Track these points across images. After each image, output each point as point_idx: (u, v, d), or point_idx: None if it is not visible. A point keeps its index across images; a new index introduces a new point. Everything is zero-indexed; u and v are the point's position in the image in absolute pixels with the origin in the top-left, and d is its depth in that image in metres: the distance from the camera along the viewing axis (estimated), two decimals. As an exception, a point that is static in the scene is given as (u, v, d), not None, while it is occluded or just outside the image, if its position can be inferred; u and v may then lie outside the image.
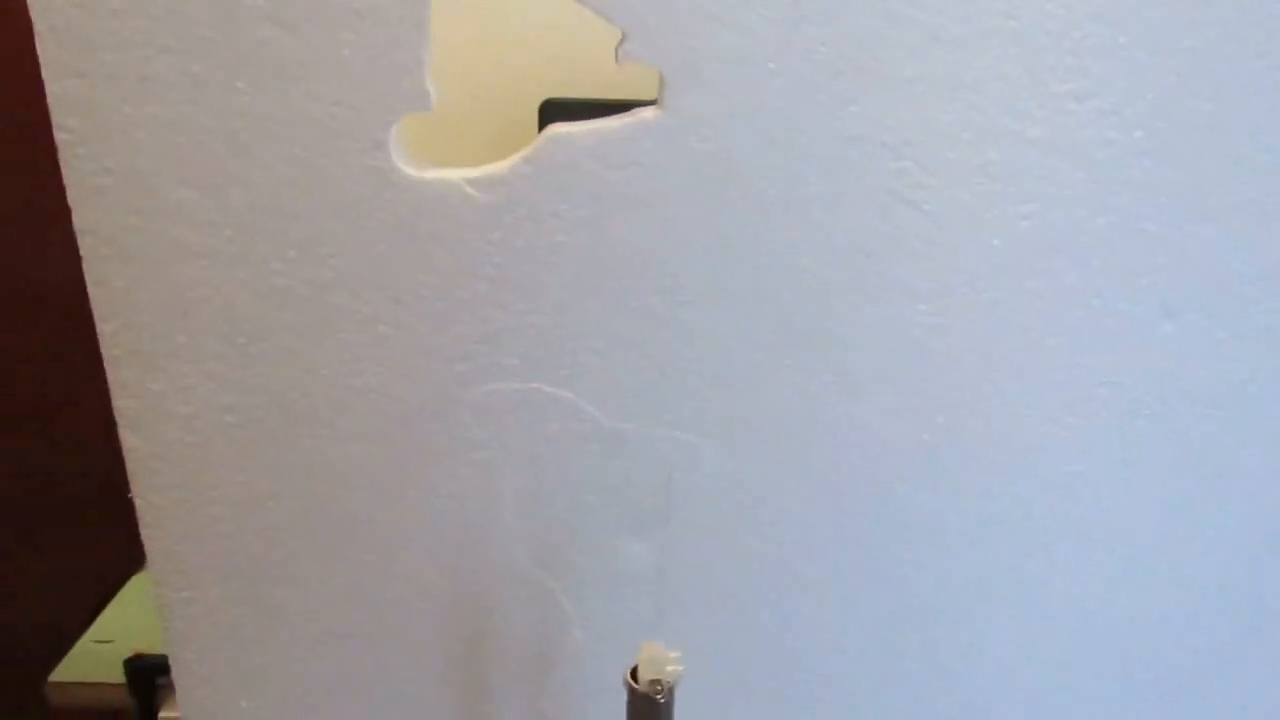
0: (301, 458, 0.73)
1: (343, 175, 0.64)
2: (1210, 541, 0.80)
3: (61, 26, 0.59)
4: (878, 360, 0.72)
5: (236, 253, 0.66)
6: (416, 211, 0.66)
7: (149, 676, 1.25)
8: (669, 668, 0.65)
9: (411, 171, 0.65)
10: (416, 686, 0.82)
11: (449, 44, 0.95)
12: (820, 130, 0.65)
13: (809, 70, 0.63)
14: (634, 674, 0.65)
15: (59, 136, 0.63)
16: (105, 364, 0.69)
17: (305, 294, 0.68)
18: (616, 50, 0.62)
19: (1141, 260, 0.70)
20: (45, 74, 0.61)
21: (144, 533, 0.75)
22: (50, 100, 0.62)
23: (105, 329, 0.68)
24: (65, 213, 0.65)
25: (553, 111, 0.76)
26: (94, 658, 1.38)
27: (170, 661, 0.81)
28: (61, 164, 0.64)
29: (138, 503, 0.74)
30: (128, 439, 0.72)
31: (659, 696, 0.64)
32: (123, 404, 0.71)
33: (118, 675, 1.28)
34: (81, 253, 0.66)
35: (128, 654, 1.27)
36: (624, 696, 0.66)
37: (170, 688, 0.94)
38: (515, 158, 0.65)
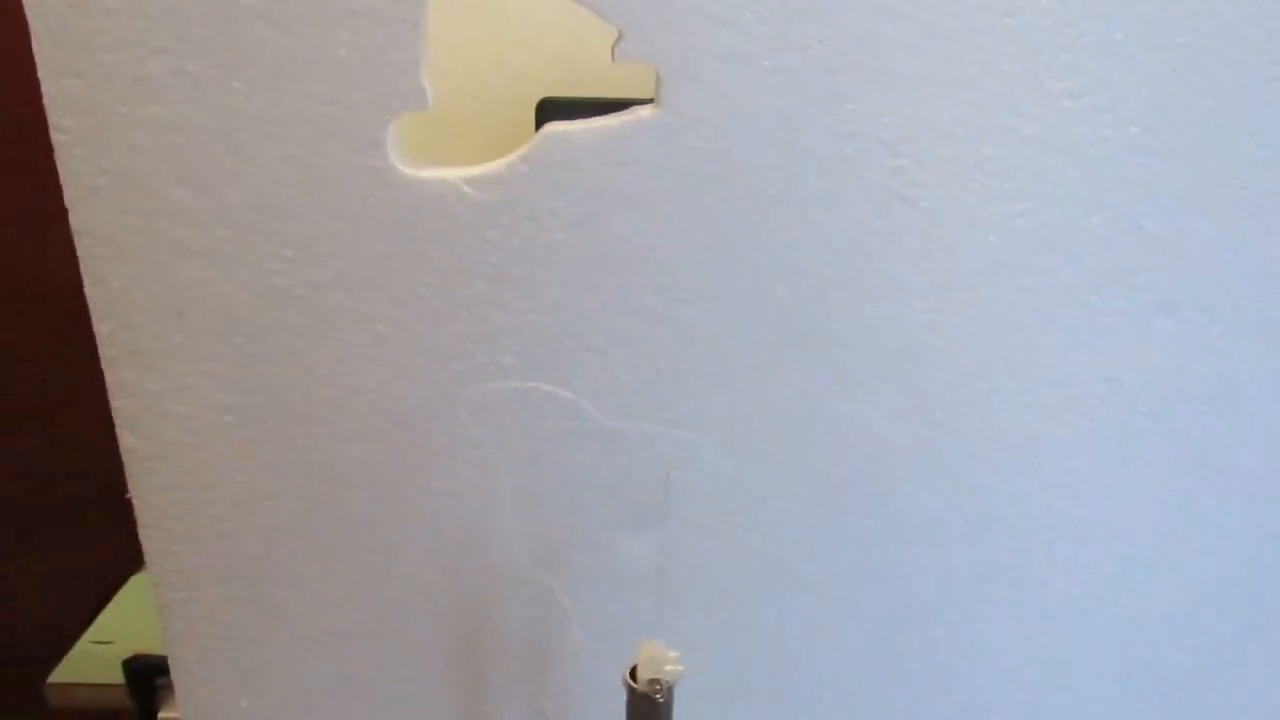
0: (300, 457, 0.73)
1: (340, 175, 0.64)
2: (1210, 540, 0.80)
3: (57, 26, 0.59)
4: (875, 357, 0.72)
5: (234, 253, 0.66)
6: (414, 211, 0.66)
7: (148, 677, 1.25)
8: (668, 667, 0.65)
9: (408, 171, 0.65)
10: (416, 686, 0.82)
11: (446, 43, 0.95)
12: (817, 127, 0.65)
13: (805, 67, 0.63)
14: (633, 673, 0.65)
15: (55, 137, 0.63)
16: (103, 364, 0.69)
17: (303, 293, 0.68)
18: (613, 49, 0.62)
19: (1138, 257, 0.70)
20: (41, 74, 0.61)
21: (142, 533, 0.75)
22: (46, 100, 0.62)
23: (103, 329, 0.68)
24: (65, 213, 0.65)
25: (550, 110, 0.76)
26: (93, 658, 1.38)
27: (170, 662, 0.81)
28: (58, 164, 0.64)
29: (136, 503, 0.74)
30: (126, 439, 0.72)
31: (658, 696, 0.64)
32: (121, 404, 0.71)
33: (117, 676, 1.28)
34: (79, 253, 0.66)
35: (127, 655, 1.27)
36: (623, 696, 0.66)
37: (169, 688, 0.94)
38: (512, 156, 0.65)
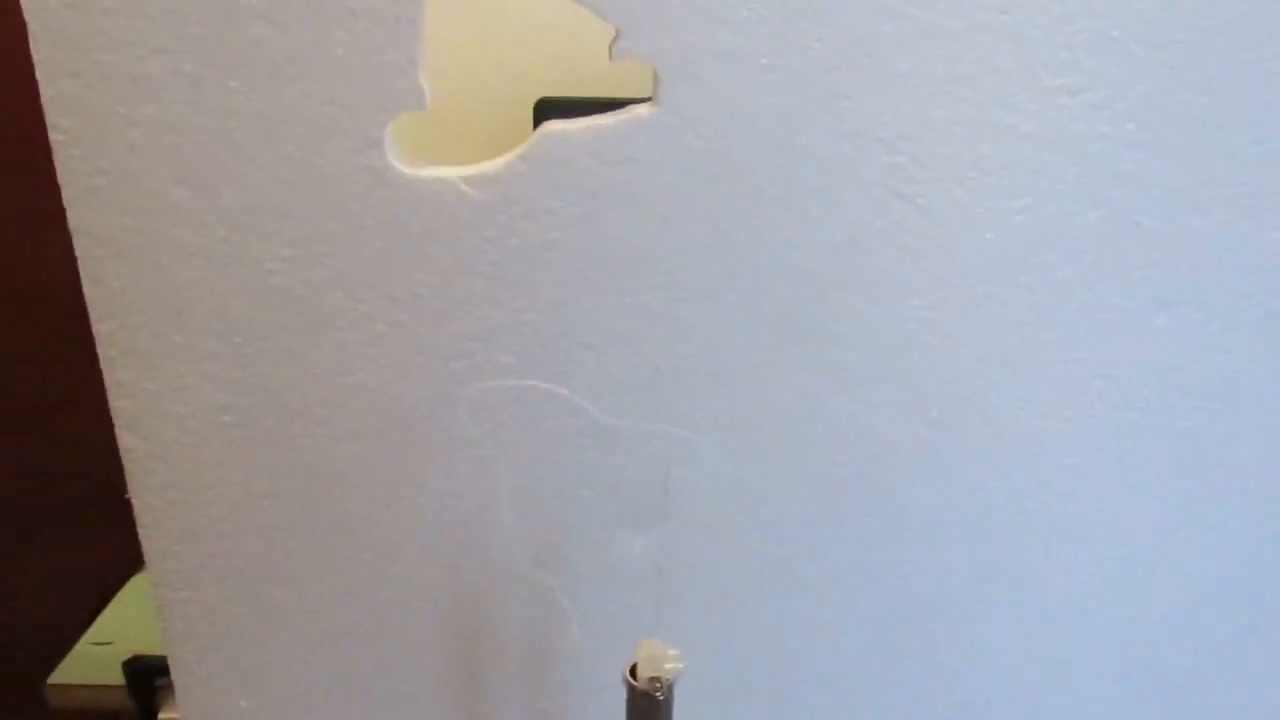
0: (298, 457, 0.73)
1: (338, 174, 0.64)
2: (1209, 539, 0.80)
3: (55, 27, 0.60)
4: (873, 355, 0.72)
5: (232, 252, 0.66)
6: (412, 210, 0.66)
7: (148, 678, 1.25)
8: (668, 665, 0.65)
9: (406, 170, 0.65)
10: (415, 684, 0.82)
11: (445, 43, 0.95)
12: (815, 126, 0.65)
13: (803, 66, 0.63)
14: (633, 671, 0.65)
15: (53, 137, 0.63)
16: (101, 364, 0.69)
17: (301, 293, 0.68)
18: (611, 47, 0.62)
19: (1135, 253, 0.70)
20: (39, 74, 0.61)
21: (142, 533, 0.75)
22: (44, 101, 0.62)
23: (101, 329, 0.68)
24: (65, 213, 0.65)
25: (548, 110, 0.76)
26: (93, 659, 1.38)
27: (169, 661, 0.81)
28: (56, 164, 0.64)
29: (135, 503, 0.74)
30: (125, 439, 0.72)
31: (658, 694, 0.64)
32: (119, 404, 0.71)
33: (117, 677, 1.28)
34: (77, 253, 0.66)
35: (127, 655, 1.27)
36: (623, 694, 0.66)
37: (169, 689, 0.94)
38: (510, 155, 0.65)
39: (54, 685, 1.36)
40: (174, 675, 0.81)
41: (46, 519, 1.80)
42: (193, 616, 0.78)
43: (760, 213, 0.67)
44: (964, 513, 0.78)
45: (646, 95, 0.65)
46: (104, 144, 0.63)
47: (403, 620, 0.79)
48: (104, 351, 0.69)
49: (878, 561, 0.79)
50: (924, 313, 0.70)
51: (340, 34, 0.60)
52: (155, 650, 1.21)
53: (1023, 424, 0.75)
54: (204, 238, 0.66)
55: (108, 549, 1.44)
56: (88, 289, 0.67)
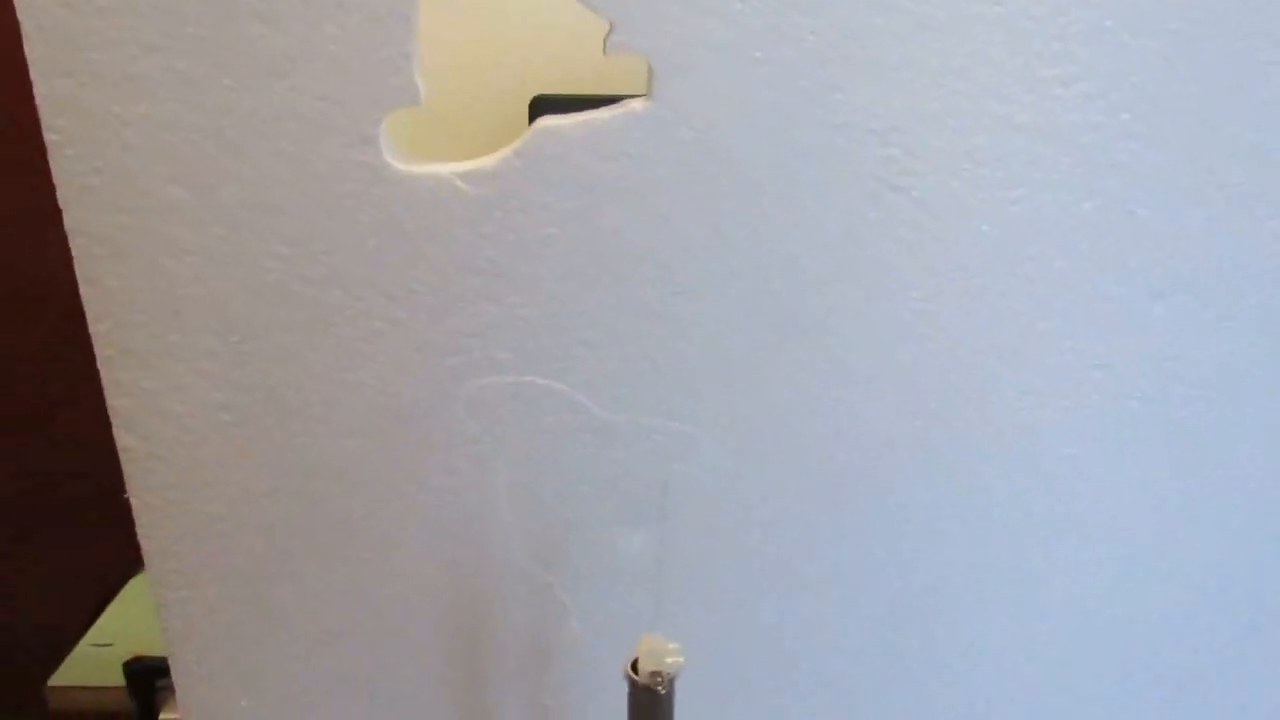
0: (297, 455, 0.73)
1: (332, 171, 0.64)
2: (1208, 531, 0.80)
3: (49, 26, 0.60)
4: (870, 348, 0.72)
5: (228, 250, 0.66)
6: (407, 206, 0.66)
7: (149, 679, 1.25)
8: (669, 659, 0.65)
9: (402, 166, 0.65)
10: (416, 682, 0.82)
11: (441, 41, 0.95)
12: (808, 118, 0.65)
13: (796, 58, 0.63)
14: (634, 666, 0.65)
15: (48, 137, 0.63)
16: (99, 363, 0.69)
17: (298, 290, 0.68)
18: (604, 41, 0.62)
19: (1130, 243, 0.70)
20: (33, 74, 0.61)
21: (141, 532, 0.75)
22: (39, 100, 0.62)
23: (99, 328, 0.68)
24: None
25: (543, 108, 0.76)
26: (93, 661, 1.39)
27: (170, 661, 0.81)
28: (51, 164, 0.64)
29: (134, 502, 0.74)
30: (123, 438, 0.72)
31: (659, 688, 0.64)
32: (117, 403, 0.71)
33: (117, 678, 1.28)
34: (74, 253, 0.66)
35: (127, 657, 1.27)
36: (624, 689, 0.66)
37: (170, 690, 0.94)
38: (505, 151, 0.65)
39: (54, 687, 1.36)
40: (174, 674, 0.81)
41: (46, 519, 1.80)
42: (192, 616, 0.78)
43: (755, 206, 0.67)
44: (962, 504, 0.78)
45: (641, 93, 0.65)
46: (99, 143, 0.63)
47: (403, 617, 0.79)
48: (101, 351, 0.69)
49: (876, 552, 0.79)
50: (920, 305, 0.70)
51: (334, 30, 0.60)
52: (155, 651, 1.21)
53: (1021, 415, 0.75)
54: (200, 236, 0.66)
55: (108, 549, 1.44)
56: (84, 288, 0.67)
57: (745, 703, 0.85)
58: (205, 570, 0.77)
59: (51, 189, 0.64)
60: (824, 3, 0.62)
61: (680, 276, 0.69)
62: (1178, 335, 0.73)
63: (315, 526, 0.76)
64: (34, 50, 0.60)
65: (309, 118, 0.63)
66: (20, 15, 0.59)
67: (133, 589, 1.53)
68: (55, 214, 0.65)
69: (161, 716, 1.24)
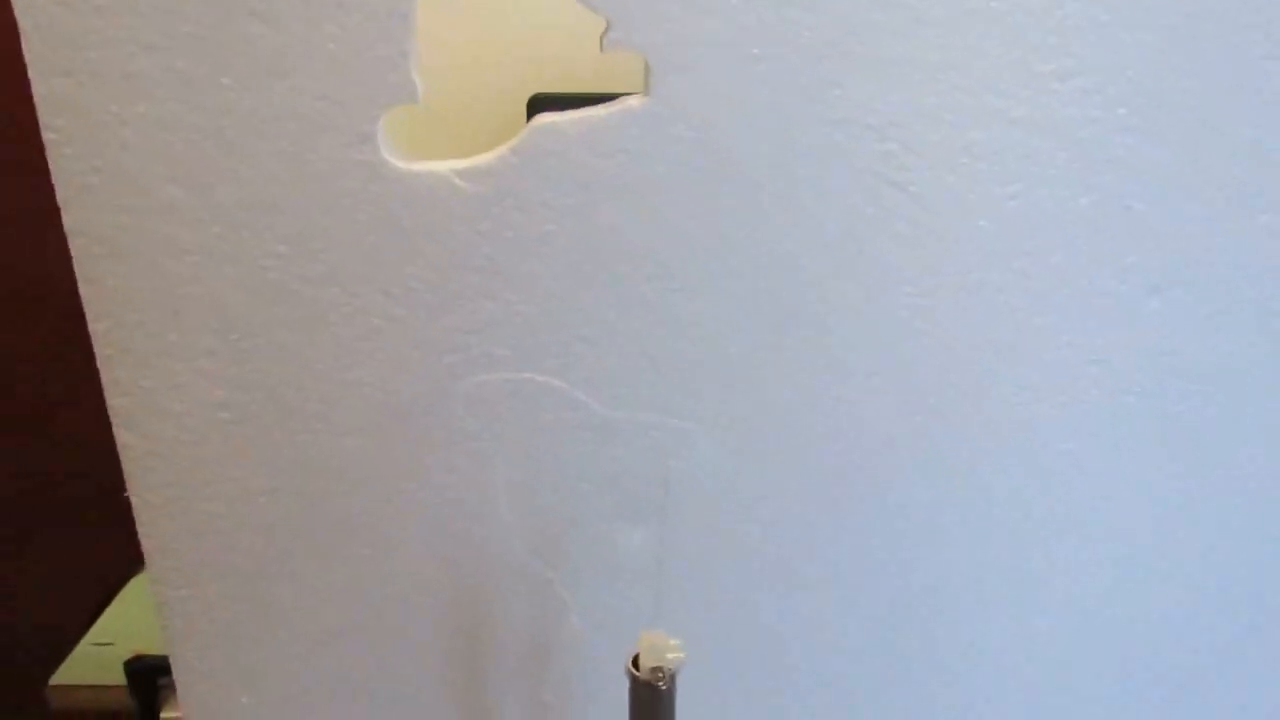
0: (296, 453, 0.73)
1: (331, 169, 0.64)
2: (1206, 521, 0.81)
3: (46, 25, 0.60)
4: (868, 343, 0.72)
5: (226, 249, 0.66)
6: (405, 204, 0.66)
7: (150, 677, 1.25)
8: (670, 655, 0.65)
9: (400, 164, 0.65)
10: (417, 679, 0.82)
11: (439, 40, 0.95)
12: (805, 114, 0.65)
13: (793, 54, 0.63)
14: (635, 662, 0.65)
15: (47, 136, 0.63)
16: (99, 362, 0.69)
17: (296, 289, 0.68)
18: (601, 39, 0.62)
19: (1127, 238, 0.70)
20: (31, 73, 0.61)
21: (141, 531, 0.75)
22: (37, 100, 0.62)
23: (98, 328, 0.68)
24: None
25: (541, 106, 0.76)
26: (94, 660, 1.39)
27: (170, 659, 0.81)
28: (50, 164, 0.64)
29: (134, 501, 0.74)
30: (123, 437, 0.72)
31: (661, 684, 0.64)
32: (117, 402, 0.71)
33: (119, 677, 1.28)
34: (73, 252, 0.66)
35: (128, 656, 1.27)
36: (626, 685, 0.66)
37: (171, 688, 0.94)
38: (502, 148, 0.65)
39: (56, 686, 1.36)
40: (175, 672, 0.81)
41: (46, 519, 1.80)
42: (193, 614, 0.78)
43: (753, 202, 0.67)
44: (960, 501, 0.78)
45: (639, 91, 0.65)
46: (97, 143, 0.63)
47: (403, 615, 0.79)
48: (101, 350, 0.69)
49: (876, 554, 0.79)
50: (917, 300, 0.71)
51: (332, 29, 0.61)
52: (157, 650, 1.21)
53: (1018, 410, 0.75)
54: (199, 235, 0.66)
55: (108, 549, 1.44)
56: (83, 288, 0.67)
57: (744, 700, 0.85)
58: (205, 568, 0.77)
59: (50, 189, 0.64)
60: (820, -1, 0.62)
61: (678, 272, 0.69)
62: (1174, 330, 0.73)
63: (315, 524, 0.76)
64: (32, 49, 0.60)
65: (307, 116, 0.63)
66: (18, 14, 0.59)
67: (133, 588, 1.53)
68: (54, 214, 0.65)
69: (163, 715, 1.24)
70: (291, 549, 0.76)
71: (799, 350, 0.72)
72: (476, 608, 0.80)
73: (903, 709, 0.86)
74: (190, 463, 0.73)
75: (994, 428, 0.76)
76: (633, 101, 0.64)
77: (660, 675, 0.64)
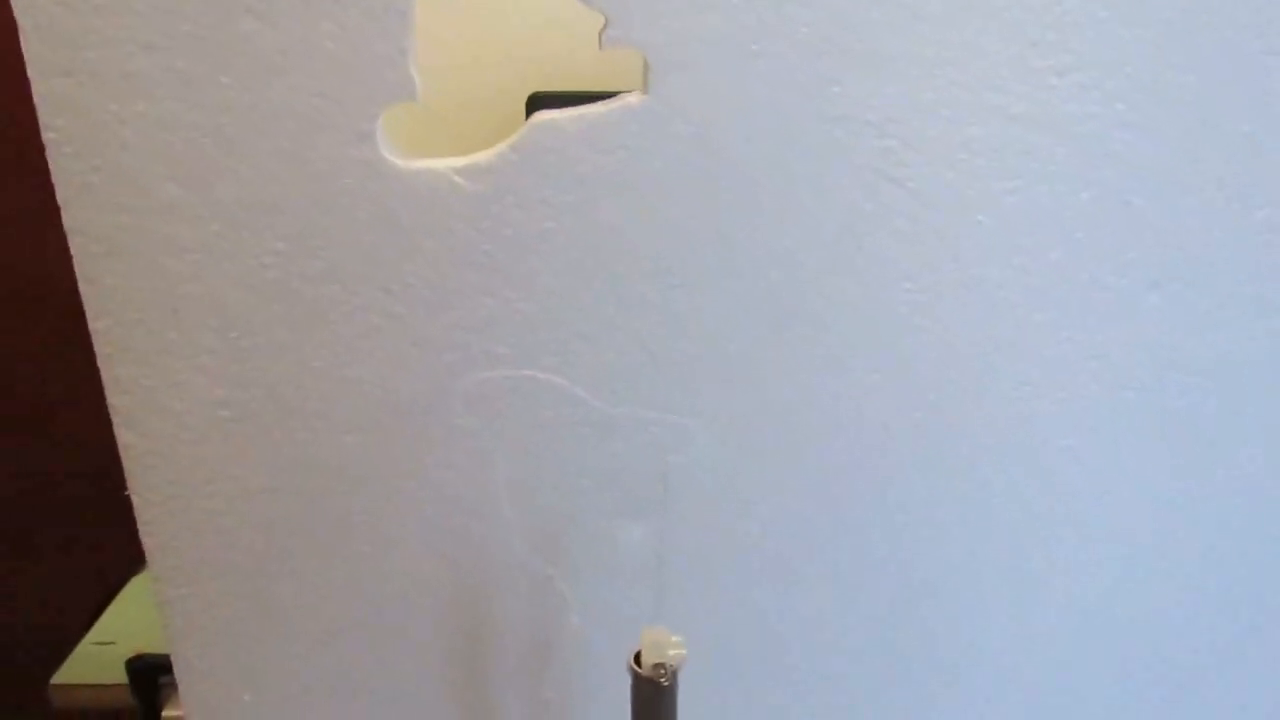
0: (296, 451, 0.73)
1: (330, 168, 0.64)
2: (1206, 518, 0.81)
3: (45, 25, 0.60)
4: (867, 339, 0.72)
5: (226, 248, 0.66)
6: (404, 202, 0.66)
7: (151, 676, 1.25)
8: (672, 651, 0.65)
9: (398, 162, 0.65)
10: (417, 677, 0.82)
11: (438, 39, 0.96)
12: (804, 111, 0.65)
13: (792, 51, 0.63)
14: (637, 659, 0.65)
15: (46, 136, 0.63)
16: (99, 361, 0.69)
17: (296, 287, 0.68)
18: (600, 36, 0.62)
19: (1126, 233, 0.70)
20: (31, 73, 0.61)
21: (141, 529, 0.75)
22: (36, 99, 0.62)
23: (98, 326, 0.69)
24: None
25: (540, 105, 0.76)
26: (96, 659, 1.39)
27: (172, 657, 0.81)
28: (50, 163, 0.64)
29: (135, 499, 0.74)
30: (123, 435, 0.72)
31: (663, 680, 0.65)
32: (117, 401, 0.71)
33: (120, 676, 1.28)
34: (72, 252, 0.66)
35: (129, 654, 1.28)
36: (627, 682, 0.66)
37: (173, 687, 0.94)
38: (502, 146, 0.65)
39: (57, 685, 1.37)
40: (176, 670, 0.81)
41: (46, 519, 1.80)
42: (193, 612, 0.78)
43: (752, 199, 0.67)
44: (960, 497, 0.78)
45: (638, 89, 0.65)
46: (97, 142, 0.63)
47: (403, 612, 0.80)
48: (101, 349, 0.69)
49: (875, 551, 0.79)
50: (916, 296, 0.71)
51: (330, 27, 0.61)
52: (158, 649, 1.22)
53: (1018, 406, 0.75)
54: (198, 233, 0.66)
55: (108, 549, 1.45)
56: (83, 287, 0.67)
57: (744, 698, 0.85)
58: (206, 567, 0.77)
59: (50, 188, 0.64)
60: (819, -5, 0.62)
61: (677, 269, 0.69)
62: (1174, 325, 0.73)
63: (314, 522, 0.76)
64: (31, 49, 0.60)
65: (306, 114, 0.63)
66: (17, 14, 0.59)
67: (135, 587, 1.53)
68: (54, 213, 0.65)
69: (164, 714, 1.24)
70: (291, 547, 0.76)
71: (798, 347, 0.72)
72: (476, 605, 0.80)
73: (902, 707, 0.86)
74: (190, 461, 0.73)
75: (993, 424, 0.76)
76: (632, 99, 0.64)
77: (662, 672, 0.64)
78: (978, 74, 0.64)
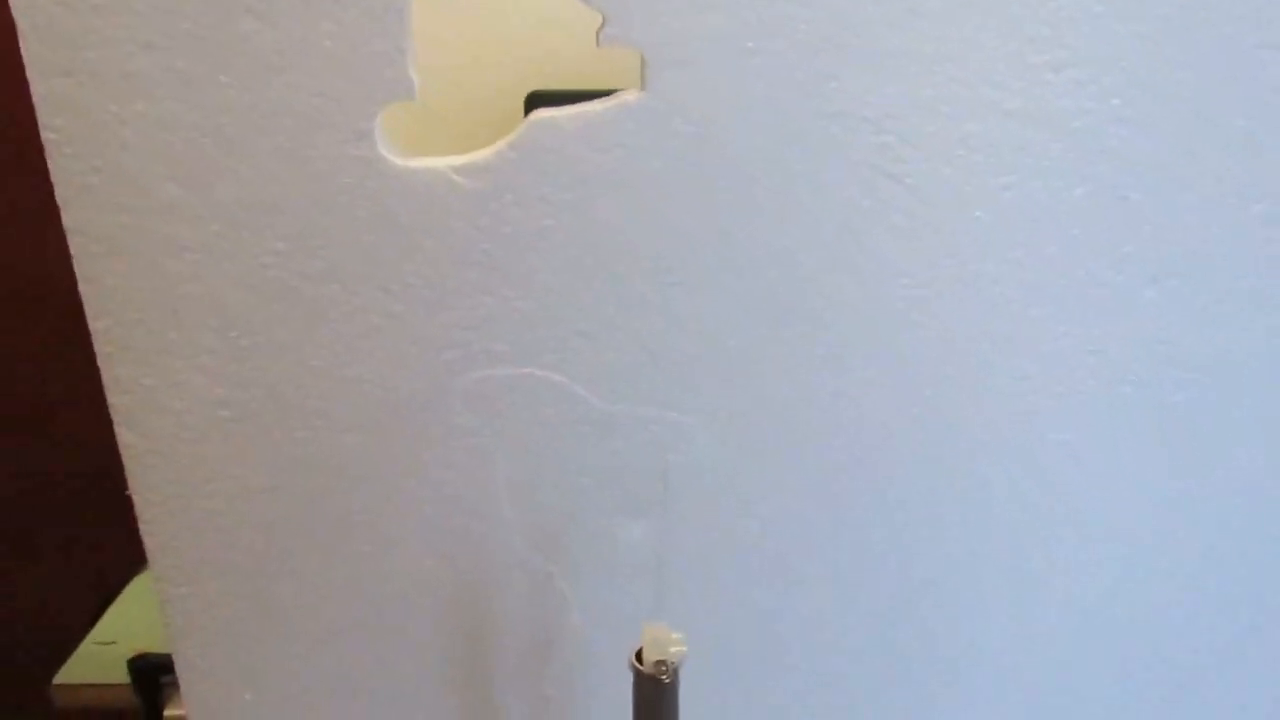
0: (296, 450, 0.73)
1: (329, 166, 0.65)
2: (1204, 515, 0.81)
3: (44, 25, 0.60)
4: (865, 336, 0.72)
5: (225, 247, 0.67)
6: (403, 200, 0.66)
7: (153, 675, 1.26)
8: (673, 648, 0.65)
9: (397, 161, 0.65)
10: (418, 676, 0.83)
11: (437, 39, 0.96)
12: (802, 107, 0.65)
13: (789, 48, 0.63)
14: (638, 656, 0.65)
15: (46, 136, 0.63)
16: (99, 361, 0.70)
17: (295, 286, 0.68)
18: (598, 34, 0.63)
19: (1123, 228, 0.70)
20: (30, 73, 0.61)
21: (142, 529, 0.76)
22: (36, 99, 0.62)
23: (98, 326, 0.69)
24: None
25: (539, 103, 0.76)
26: (98, 659, 1.39)
27: (173, 657, 0.81)
28: (49, 163, 0.64)
29: (135, 499, 0.74)
30: (123, 435, 0.72)
31: (664, 677, 0.65)
32: (117, 400, 0.71)
33: (122, 675, 1.28)
34: (72, 251, 0.66)
35: (131, 654, 1.28)
36: (627, 680, 0.66)
37: (174, 686, 0.95)
38: (500, 144, 0.65)
39: (59, 685, 1.37)
40: (178, 670, 0.81)
41: (46, 519, 1.80)
42: (194, 611, 0.79)
43: (750, 196, 0.67)
44: (958, 493, 0.78)
45: (636, 87, 0.65)
46: (96, 142, 0.63)
47: (403, 611, 0.80)
48: (101, 348, 0.69)
49: (875, 548, 0.79)
50: (914, 292, 0.71)
51: (328, 26, 0.61)
52: (159, 648, 1.22)
53: (1015, 401, 0.75)
54: (198, 233, 0.66)
55: (108, 549, 1.45)
56: (83, 287, 0.67)
57: (744, 696, 0.85)
58: (206, 566, 0.77)
59: (50, 188, 0.64)
60: (816, -8, 0.62)
61: (676, 266, 0.69)
62: (1171, 320, 0.73)
63: (315, 521, 0.76)
64: (31, 49, 0.60)
65: (305, 113, 0.63)
66: (16, 14, 0.59)
67: (136, 587, 1.54)
68: (54, 213, 0.65)
69: (166, 713, 1.24)
70: (292, 546, 0.76)
71: (796, 344, 0.72)
72: (477, 604, 0.80)
73: (902, 707, 0.86)
74: (191, 460, 0.73)
75: (991, 419, 0.76)
76: (629, 97, 0.65)
77: (664, 669, 0.65)
78: (975, 70, 0.64)
